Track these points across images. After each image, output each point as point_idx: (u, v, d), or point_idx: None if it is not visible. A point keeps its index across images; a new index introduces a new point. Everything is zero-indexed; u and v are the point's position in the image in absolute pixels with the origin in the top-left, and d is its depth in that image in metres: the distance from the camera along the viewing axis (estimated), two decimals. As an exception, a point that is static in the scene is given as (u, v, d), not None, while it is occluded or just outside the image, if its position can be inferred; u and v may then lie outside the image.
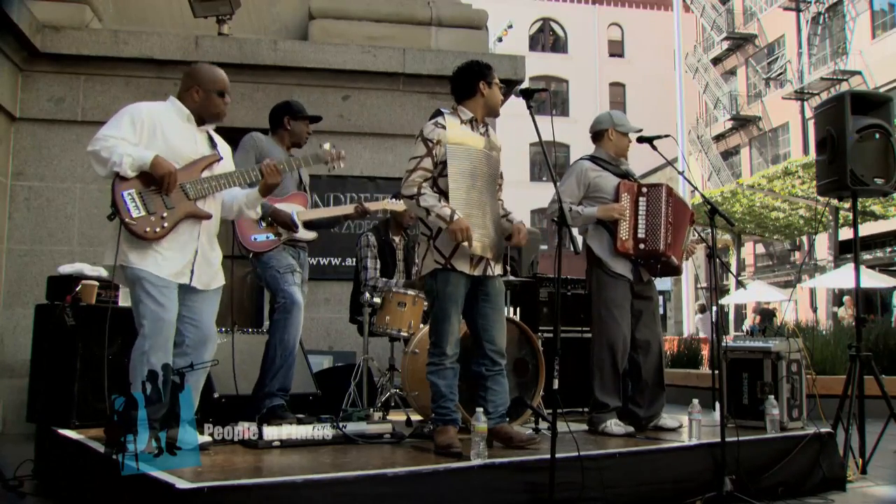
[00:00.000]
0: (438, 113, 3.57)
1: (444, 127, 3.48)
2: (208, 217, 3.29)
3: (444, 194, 3.44)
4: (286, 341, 3.87)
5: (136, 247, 3.12)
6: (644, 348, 4.18)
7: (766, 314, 16.66)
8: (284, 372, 3.89)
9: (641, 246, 4.06)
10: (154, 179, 3.13)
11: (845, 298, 15.92)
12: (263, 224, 3.98)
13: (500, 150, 3.68)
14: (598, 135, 4.31)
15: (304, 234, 4.10)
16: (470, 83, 3.58)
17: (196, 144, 3.34)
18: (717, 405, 3.81)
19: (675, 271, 4.29)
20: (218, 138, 3.48)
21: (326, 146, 3.94)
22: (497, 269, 3.59)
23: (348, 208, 4.36)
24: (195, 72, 3.40)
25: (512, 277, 4.58)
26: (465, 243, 3.34)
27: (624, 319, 4.10)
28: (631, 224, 4.08)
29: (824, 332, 8.97)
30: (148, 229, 3.10)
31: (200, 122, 3.38)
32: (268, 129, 4.26)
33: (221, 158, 3.40)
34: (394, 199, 4.51)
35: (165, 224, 3.13)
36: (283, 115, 4.22)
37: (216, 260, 3.38)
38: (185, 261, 3.22)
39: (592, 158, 4.26)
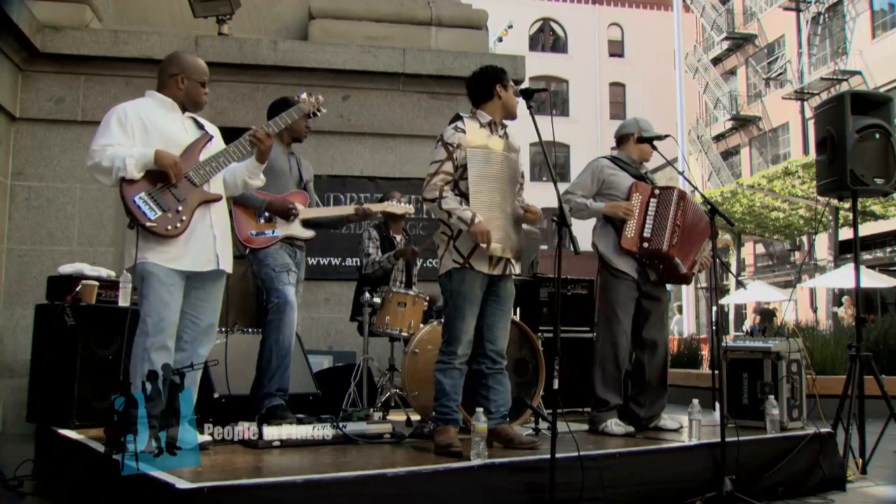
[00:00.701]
0: (458, 117, 3.60)
1: (464, 131, 3.50)
2: (220, 198, 3.33)
3: (465, 197, 3.47)
4: (281, 342, 3.86)
5: (155, 244, 3.13)
6: (651, 348, 4.19)
7: (767, 314, 16.65)
8: (281, 373, 3.88)
9: (645, 245, 4.06)
10: (159, 177, 3.15)
11: (844, 298, 15.91)
12: (262, 220, 3.96)
13: (518, 152, 3.70)
14: (623, 138, 4.33)
15: (302, 233, 4.08)
16: (487, 86, 3.61)
17: (186, 131, 3.35)
18: (717, 405, 3.81)
19: (681, 279, 4.27)
20: (203, 121, 3.48)
21: (304, 96, 3.83)
22: (517, 269, 3.64)
23: (348, 209, 4.33)
24: (179, 60, 3.40)
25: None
26: (484, 245, 3.37)
27: (627, 318, 4.11)
28: (638, 223, 4.09)
29: (824, 333, 8.97)
30: (169, 227, 3.13)
31: (183, 109, 3.39)
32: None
33: (213, 137, 3.41)
34: (393, 202, 4.50)
35: (183, 217, 3.16)
36: (280, 112, 4.19)
37: (230, 241, 3.41)
38: (206, 246, 3.25)
39: (612, 158, 4.30)
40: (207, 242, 3.26)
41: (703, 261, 4.29)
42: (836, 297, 18.39)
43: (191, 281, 3.26)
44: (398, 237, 5.15)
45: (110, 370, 4.02)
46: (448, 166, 3.47)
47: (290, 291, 3.94)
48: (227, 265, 3.34)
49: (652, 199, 4.11)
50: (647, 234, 4.07)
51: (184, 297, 3.24)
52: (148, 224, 3.09)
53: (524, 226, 3.71)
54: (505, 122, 3.67)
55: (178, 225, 3.15)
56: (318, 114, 3.88)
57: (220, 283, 3.37)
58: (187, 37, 6.31)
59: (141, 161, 3.11)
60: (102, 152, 3.11)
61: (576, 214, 4.07)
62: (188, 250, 3.19)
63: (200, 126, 3.42)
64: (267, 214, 3.97)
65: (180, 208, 3.16)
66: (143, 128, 3.21)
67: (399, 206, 4.46)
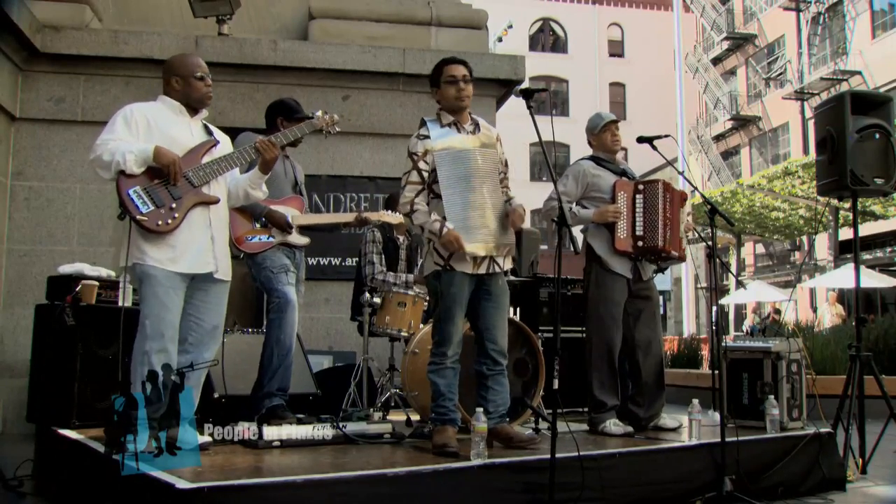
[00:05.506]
0: (422, 123, 3.61)
1: (426, 136, 3.51)
2: (217, 201, 3.32)
3: (441, 198, 3.46)
4: (282, 341, 3.86)
5: (150, 243, 3.13)
6: (644, 348, 4.18)
7: (776, 312, 16.61)
8: (282, 372, 3.88)
9: (640, 243, 4.06)
10: (158, 174, 3.15)
11: (830, 295, 15.59)
12: (258, 225, 3.96)
13: (494, 144, 3.63)
14: (587, 142, 4.36)
15: (298, 240, 4.05)
16: (433, 91, 3.64)
17: (192, 135, 3.36)
18: (717, 405, 3.81)
19: (677, 259, 4.29)
20: (213, 128, 3.49)
21: (319, 113, 3.87)
22: (506, 264, 3.59)
23: (348, 216, 4.33)
24: (169, 64, 3.43)
25: (512, 277, 4.57)
26: (460, 252, 3.37)
27: (620, 317, 4.11)
28: (629, 222, 4.08)
29: (824, 332, 8.98)
30: (160, 222, 3.12)
31: (192, 111, 3.39)
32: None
33: (219, 142, 3.41)
34: (389, 212, 4.49)
35: (176, 215, 3.15)
36: (276, 115, 4.18)
37: (228, 249, 3.41)
38: (203, 249, 3.24)
39: (592, 158, 4.29)
40: (205, 244, 3.25)
41: (687, 226, 4.29)
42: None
43: (193, 282, 3.26)
44: (401, 238, 5.14)
45: (110, 370, 4.01)
46: (414, 176, 3.49)
47: (291, 291, 3.93)
48: (224, 273, 3.33)
49: (638, 195, 4.11)
50: (639, 232, 4.07)
51: (186, 298, 3.24)
52: (138, 217, 3.09)
53: (525, 226, 3.69)
54: (477, 117, 3.65)
55: (170, 221, 3.14)
56: (331, 132, 3.91)
57: (223, 284, 3.37)
58: (187, 37, 6.31)
59: (140, 156, 3.12)
60: (104, 146, 3.13)
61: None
62: (186, 252, 3.18)
63: (210, 133, 3.43)
64: (264, 220, 3.96)
65: (174, 206, 3.16)
66: (148, 128, 3.23)
67: (395, 216, 4.45)
